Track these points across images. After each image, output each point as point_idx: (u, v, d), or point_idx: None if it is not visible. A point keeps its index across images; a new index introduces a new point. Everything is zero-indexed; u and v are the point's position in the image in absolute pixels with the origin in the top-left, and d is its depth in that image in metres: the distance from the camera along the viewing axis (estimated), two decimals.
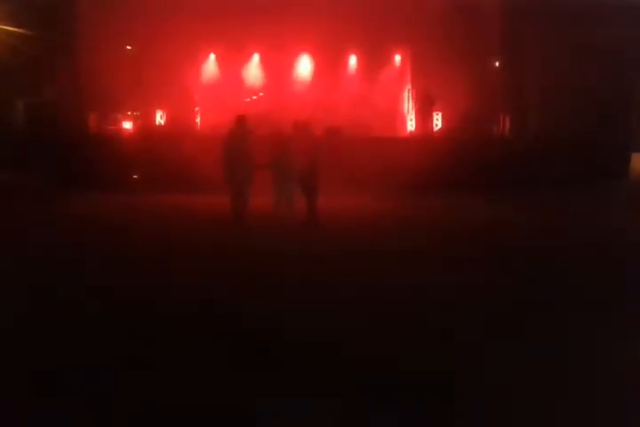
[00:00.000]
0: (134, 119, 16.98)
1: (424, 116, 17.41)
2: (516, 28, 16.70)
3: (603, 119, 15.76)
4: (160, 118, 17.49)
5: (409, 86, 18.74)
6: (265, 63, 18.65)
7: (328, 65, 18.64)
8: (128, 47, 17.61)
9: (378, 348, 4.66)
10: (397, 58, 19.08)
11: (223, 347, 4.68)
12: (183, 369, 4.27)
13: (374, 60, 18.83)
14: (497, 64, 17.94)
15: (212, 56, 18.57)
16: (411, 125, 18.27)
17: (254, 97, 18.42)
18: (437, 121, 17.52)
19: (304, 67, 18.82)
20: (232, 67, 18.61)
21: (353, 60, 18.92)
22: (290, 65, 18.70)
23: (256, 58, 18.68)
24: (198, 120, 17.87)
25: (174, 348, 4.68)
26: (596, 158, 14.89)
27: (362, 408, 3.70)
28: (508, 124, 16.93)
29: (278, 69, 18.45)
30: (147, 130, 16.70)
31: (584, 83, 15.74)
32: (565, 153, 14.89)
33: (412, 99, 18.21)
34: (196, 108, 17.70)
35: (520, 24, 16.62)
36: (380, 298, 6.10)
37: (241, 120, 10.26)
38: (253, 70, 18.73)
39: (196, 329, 5.10)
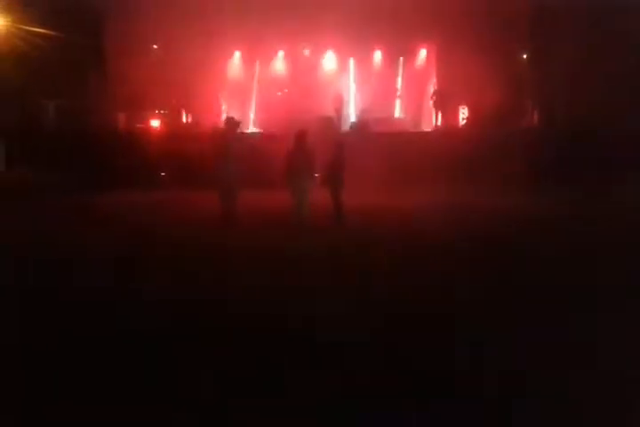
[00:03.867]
0: (162, 117, 17.24)
1: (449, 110, 17.30)
2: (543, 17, 16.45)
3: (629, 111, 15.41)
4: (186, 116, 17.73)
5: (434, 80, 18.63)
6: (290, 60, 18.73)
7: (354, 60, 18.68)
8: (154, 46, 17.88)
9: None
10: (423, 52, 18.99)
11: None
12: None
13: (400, 54, 18.79)
14: (524, 55, 17.70)
15: (238, 54, 18.72)
16: (437, 120, 18.16)
17: (279, 93, 18.51)
18: (464, 115, 17.38)
19: (330, 62, 18.85)
20: (258, 64, 18.75)
21: (379, 55, 18.89)
22: (315, 61, 18.75)
23: (281, 54, 18.77)
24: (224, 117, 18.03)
25: None
26: (619, 150, 14.57)
27: None
28: (536, 118, 16.69)
29: (304, 66, 18.51)
30: (174, 128, 16.94)
31: (614, 71, 15.41)
32: (594, 147, 14.62)
33: (438, 93, 18.08)
34: (223, 106, 17.87)
35: (547, 13, 16.37)
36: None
37: (230, 122, 10.24)
38: (279, 67, 18.83)
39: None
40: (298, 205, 10.13)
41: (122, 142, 15.65)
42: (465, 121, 17.44)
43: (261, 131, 17.80)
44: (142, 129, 16.81)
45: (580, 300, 5.80)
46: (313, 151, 10.15)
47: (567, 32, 15.85)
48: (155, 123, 17.18)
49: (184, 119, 17.89)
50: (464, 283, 6.44)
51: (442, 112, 17.60)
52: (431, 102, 17.91)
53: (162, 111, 17.46)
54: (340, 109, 17.93)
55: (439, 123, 17.77)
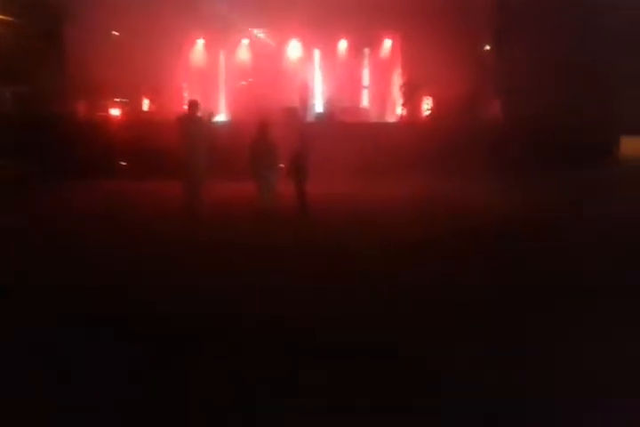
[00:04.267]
0: (123, 106, 16.88)
1: (413, 100, 17.37)
2: (506, 11, 16.60)
3: (592, 102, 15.74)
4: (148, 104, 17.38)
5: (399, 71, 18.65)
6: (253, 48, 18.52)
7: (319, 50, 18.57)
8: (115, 33, 17.45)
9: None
10: (388, 43, 18.98)
11: None
12: None
13: (365, 44, 18.74)
14: (487, 48, 17.85)
15: (201, 42, 18.41)
16: (401, 110, 18.21)
17: (243, 82, 18.30)
18: (428, 106, 17.48)
19: (294, 52, 18.70)
20: (220, 52, 18.48)
21: (344, 45, 18.82)
22: (279, 50, 18.57)
23: (245, 43, 18.54)
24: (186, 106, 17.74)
25: None
26: (582, 141, 14.91)
27: None
28: (497, 108, 16.89)
29: (267, 55, 18.32)
30: (135, 116, 16.60)
31: (575, 66, 15.70)
32: (554, 136, 14.91)
33: (402, 83, 18.13)
34: (185, 95, 17.57)
35: (509, 7, 16.52)
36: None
37: (194, 105, 9.92)
38: (243, 56, 18.60)
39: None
40: (263, 195, 10.08)
41: (81, 131, 15.28)
42: (429, 112, 17.53)
43: (228, 120, 17.59)
44: (102, 117, 16.42)
45: None
46: (276, 141, 10.10)
47: (529, 23, 16.04)
48: (115, 111, 16.79)
49: (146, 108, 17.53)
50: (433, 270, 6.53)
51: (407, 103, 17.66)
52: (402, 92, 17.97)
53: (123, 99, 17.07)
54: (306, 99, 17.83)
55: (404, 113, 17.84)
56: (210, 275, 6.52)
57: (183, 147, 9.64)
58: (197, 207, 9.63)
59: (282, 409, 3.59)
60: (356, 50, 18.81)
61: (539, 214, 10.03)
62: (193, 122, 9.78)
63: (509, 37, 16.77)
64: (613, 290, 5.73)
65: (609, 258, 6.98)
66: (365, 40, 18.65)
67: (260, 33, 18.51)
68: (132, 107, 17.07)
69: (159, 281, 6.24)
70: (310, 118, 17.23)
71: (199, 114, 10.02)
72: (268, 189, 10.05)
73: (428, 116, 17.45)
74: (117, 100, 16.94)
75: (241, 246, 7.81)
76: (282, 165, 10.50)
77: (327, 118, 17.00)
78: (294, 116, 15.89)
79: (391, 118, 18.30)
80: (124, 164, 15.04)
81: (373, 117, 18.11)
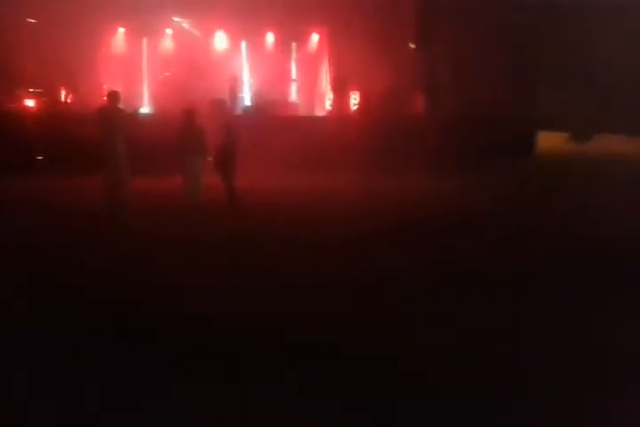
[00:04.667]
0: (38, 97, 16.02)
1: (341, 95, 17.45)
2: (431, 7, 16.94)
3: (512, 99, 16.33)
4: (65, 96, 16.57)
5: (326, 66, 18.69)
6: (178, 39, 18.03)
7: (246, 43, 18.32)
8: (31, 20, 16.56)
9: None
10: (315, 37, 18.96)
11: None
12: None
13: (292, 38, 18.64)
14: (411, 45, 18.16)
15: (121, 31, 17.74)
16: (329, 104, 18.24)
17: (167, 73, 17.78)
18: (355, 100, 17.60)
19: (220, 44, 18.35)
20: (143, 42, 17.88)
21: (271, 39, 18.64)
22: (205, 42, 18.17)
23: (169, 33, 18.02)
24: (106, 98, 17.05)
25: None
26: (501, 136, 15.43)
27: None
28: (421, 104, 17.24)
29: (192, 46, 17.87)
30: (52, 108, 15.79)
31: (496, 63, 16.21)
32: (473, 132, 15.37)
33: (330, 78, 18.18)
34: (105, 85, 16.87)
35: (435, 4, 16.88)
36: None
37: (113, 96, 9.47)
38: (166, 46, 18.06)
39: None
40: (189, 187, 9.82)
41: None
42: (356, 106, 17.66)
43: (152, 112, 17.05)
44: (15, 109, 15.51)
45: None
46: (203, 130, 9.86)
47: (452, 20, 16.44)
48: (30, 102, 15.91)
49: (63, 99, 16.70)
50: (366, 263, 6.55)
51: (335, 97, 17.72)
52: (329, 87, 18.00)
53: (38, 90, 16.19)
54: (235, 91, 17.55)
55: (332, 107, 17.89)
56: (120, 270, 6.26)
57: (102, 140, 9.20)
58: (119, 202, 9.20)
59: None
60: (283, 43, 18.67)
61: (457, 208, 10.29)
62: (113, 114, 9.34)
63: (433, 34, 17.15)
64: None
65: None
66: (292, 34, 18.55)
67: (183, 23, 18.04)
68: (48, 98, 16.22)
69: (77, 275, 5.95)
70: (238, 111, 16.98)
71: (120, 106, 9.60)
72: (195, 180, 9.78)
73: (355, 111, 17.57)
74: (32, 90, 16.06)
75: (163, 240, 7.55)
76: (210, 159, 10.26)
77: (255, 111, 16.81)
78: (222, 108, 15.60)
79: (320, 112, 18.32)
80: (40, 158, 14.27)
81: (302, 111, 18.05)
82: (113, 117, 9.26)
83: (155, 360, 4.04)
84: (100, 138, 9.22)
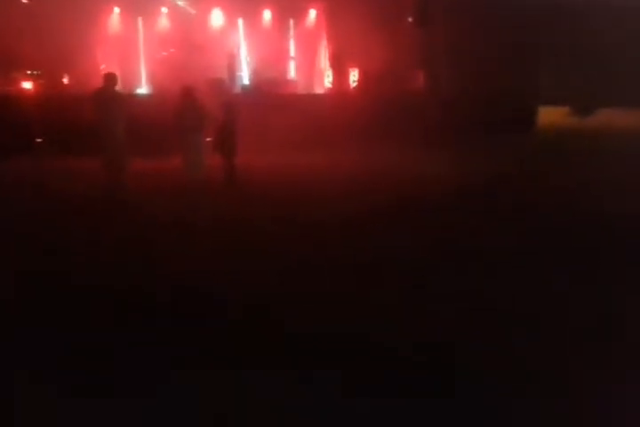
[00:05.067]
0: (35, 79, 15.89)
1: (340, 72, 17.29)
2: None
3: (511, 73, 16.17)
4: (63, 77, 16.44)
5: (325, 42, 18.47)
6: (174, 18, 17.80)
7: (243, 20, 18.09)
8: (25, 1, 16.37)
9: None
10: (313, 13, 18.70)
11: None
12: None
13: (290, 14, 18.39)
14: (410, 19, 17.90)
15: (117, 10, 17.52)
16: (328, 82, 18.09)
17: (164, 53, 17.60)
18: (354, 77, 17.44)
19: (217, 21, 18.12)
20: (139, 22, 17.67)
21: (268, 15, 18.39)
22: (201, 20, 17.94)
23: (164, 11, 17.79)
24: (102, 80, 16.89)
25: None
26: (502, 111, 15.32)
27: None
28: (421, 80, 17.08)
29: (188, 24, 17.65)
30: (50, 89, 15.67)
31: (496, 37, 16.00)
32: (474, 107, 15.26)
33: (328, 55, 17.99)
34: (102, 66, 16.73)
35: None
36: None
37: (109, 78, 9.37)
38: (162, 25, 17.85)
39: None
40: (190, 164, 9.84)
41: None
42: (356, 83, 17.51)
43: (149, 92, 16.93)
44: (12, 91, 15.40)
45: None
46: (204, 108, 9.85)
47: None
48: (27, 84, 15.79)
49: (60, 80, 16.56)
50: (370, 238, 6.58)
51: (335, 74, 17.55)
52: (328, 64, 17.83)
53: (35, 72, 16.06)
54: (234, 70, 17.38)
55: (332, 85, 17.74)
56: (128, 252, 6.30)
57: (99, 122, 9.13)
58: (118, 184, 9.19)
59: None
60: (280, 20, 18.43)
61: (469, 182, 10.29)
62: (110, 96, 9.26)
63: (432, 8, 16.89)
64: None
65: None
66: (290, 10, 18.30)
67: (179, 1, 17.79)
68: (45, 79, 16.10)
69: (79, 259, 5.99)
70: (237, 89, 16.85)
71: (117, 88, 9.52)
72: (196, 157, 9.80)
73: (354, 88, 17.42)
74: (29, 72, 15.93)
75: (161, 222, 7.56)
76: (209, 139, 10.23)
77: (254, 90, 16.68)
78: (220, 86, 15.49)
79: (319, 90, 18.17)
80: (39, 140, 14.21)
81: (301, 89, 17.92)
82: (110, 99, 9.18)
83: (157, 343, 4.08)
84: (97, 120, 9.15)
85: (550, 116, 17.48)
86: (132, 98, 10.95)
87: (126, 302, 4.81)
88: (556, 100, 17.27)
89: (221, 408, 3.33)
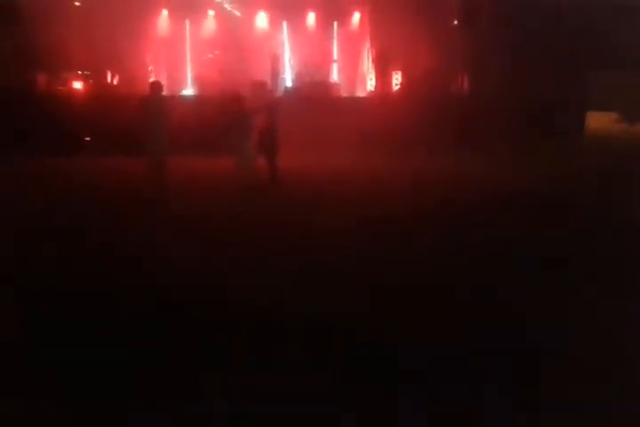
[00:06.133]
0: (85, 79, 16.34)
1: (383, 75, 17.26)
2: None
3: (559, 78, 15.89)
4: (112, 78, 16.87)
5: (368, 45, 18.48)
6: (220, 20, 18.09)
7: (287, 23, 18.25)
8: (77, 3, 16.85)
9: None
10: (357, 16, 18.74)
11: None
12: None
13: (334, 17, 18.47)
14: (455, 22, 17.76)
15: (165, 12, 17.90)
16: (370, 85, 18.09)
17: (210, 55, 17.90)
18: (397, 80, 17.39)
19: (262, 24, 18.33)
20: (186, 24, 18.01)
21: (312, 19, 18.52)
22: (247, 23, 18.18)
23: (211, 14, 18.10)
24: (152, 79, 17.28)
25: None
26: (552, 117, 15.09)
27: None
28: (466, 83, 16.92)
29: (234, 27, 17.91)
30: (99, 90, 16.10)
31: (544, 40, 15.75)
32: (521, 111, 15.05)
33: (372, 58, 17.98)
34: (150, 68, 17.12)
35: None
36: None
37: (155, 86, 9.62)
38: (209, 28, 18.16)
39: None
40: (240, 165, 10.09)
41: (41, 105, 14.73)
42: (399, 86, 17.46)
43: (194, 94, 17.22)
44: (64, 91, 15.88)
45: None
46: (250, 117, 10.13)
47: (495, 3, 16.04)
48: (77, 84, 16.25)
49: (109, 81, 17.01)
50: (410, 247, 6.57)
51: (377, 77, 17.54)
52: (371, 67, 17.84)
53: (85, 72, 16.52)
54: (277, 72, 17.53)
55: (373, 88, 17.74)
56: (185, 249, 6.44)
57: (146, 128, 9.36)
58: (162, 187, 9.39)
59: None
60: (324, 23, 18.53)
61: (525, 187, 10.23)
62: (155, 103, 9.50)
63: (478, 11, 16.73)
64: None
65: None
66: (334, 13, 18.37)
67: (226, 4, 18.07)
68: (95, 80, 16.54)
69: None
70: (280, 92, 16.99)
71: (162, 94, 9.79)
72: (247, 158, 10.08)
73: (397, 91, 17.37)
74: (80, 72, 16.39)
75: (202, 225, 7.70)
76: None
77: (297, 92, 16.78)
78: (264, 89, 15.65)
79: (361, 93, 18.18)
80: (87, 139, 14.62)
81: (344, 92, 17.97)
82: (156, 106, 9.42)
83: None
84: (143, 126, 9.36)
85: (598, 121, 17.12)
86: (177, 100, 11.13)
87: (168, 301, 4.91)
88: (605, 105, 16.90)
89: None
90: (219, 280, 5.35)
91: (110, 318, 4.50)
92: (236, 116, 10.08)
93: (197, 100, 15.47)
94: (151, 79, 10.38)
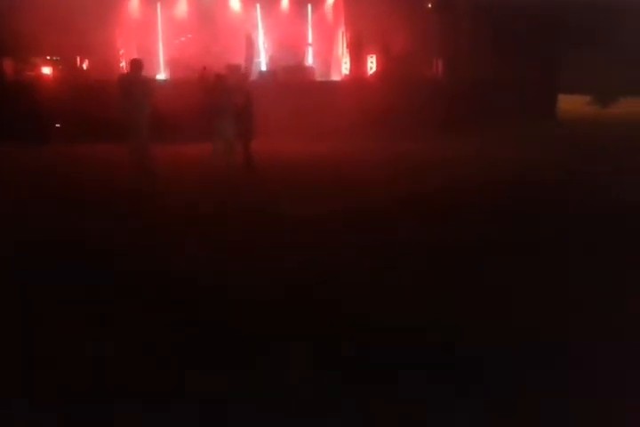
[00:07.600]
0: (54, 64, 15.96)
1: (357, 59, 17.17)
2: None
3: (531, 61, 16.03)
4: (82, 63, 16.49)
5: (343, 29, 18.34)
6: (193, 3, 17.77)
7: (260, 6, 18.01)
8: None
9: None
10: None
11: None
12: None
13: (307, 0, 18.28)
14: (429, 6, 17.74)
15: None
16: (345, 69, 17.99)
17: (183, 38, 17.59)
18: (372, 64, 17.33)
19: (235, 6, 18.06)
20: (158, 7, 17.66)
21: (285, 1, 18.29)
22: (221, 5, 17.88)
23: None
24: (123, 64, 16.95)
25: None
26: (524, 100, 15.22)
27: None
28: (440, 67, 16.95)
29: (208, 10, 17.61)
30: (69, 75, 15.74)
31: (514, 26, 15.85)
32: (494, 94, 15.16)
33: (346, 41, 17.86)
34: (121, 52, 16.76)
35: None
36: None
37: (136, 64, 9.38)
38: (181, 10, 17.83)
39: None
40: (217, 151, 9.90)
41: (8, 91, 14.40)
42: (373, 70, 17.41)
43: (168, 78, 16.94)
44: (32, 77, 15.50)
45: None
46: (232, 93, 9.92)
47: None
48: (47, 70, 15.87)
49: (79, 66, 16.62)
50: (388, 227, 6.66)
51: (352, 61, 17.44)
52: (346, 51, 17.72)
53: (54, 57, 16.12)
54: (252, 55, 17.26)
55: (348, 71, 17.65)
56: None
57: (125, 109, 9.12)
58: (147, 172, 9.20)
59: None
60: (298, 6, 18.32)
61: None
62: (135, 82, 9.26)
63: None
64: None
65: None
66: None
67: None
68: (65, 65, 16.16)
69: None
70: (255, 76, 16.81)
71: (143, 73, 9.54)
72: (227, 142, 9.86)
73: (372, 75, 17.32)
74: (49, 57, 15.99)
75: (182, 212, 7.61)
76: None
77: (271, 76, 16.63)
78: (238, 73, 15.46)
79: (336, 76, 18.09)
80: (58, 126, 14.31)
81: (318, 75, 17.85)
82: (136, 85, 9.18)
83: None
84: (123, 107, 9.12)
85: (570, 104, 17.28)
86: (154, 83, 10.90)
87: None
88: (577, 88, 17.07)
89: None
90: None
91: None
92: (218, 98, 9.79)
93: (171, 85, 15.23)
94: (131, 58, 10.06)
